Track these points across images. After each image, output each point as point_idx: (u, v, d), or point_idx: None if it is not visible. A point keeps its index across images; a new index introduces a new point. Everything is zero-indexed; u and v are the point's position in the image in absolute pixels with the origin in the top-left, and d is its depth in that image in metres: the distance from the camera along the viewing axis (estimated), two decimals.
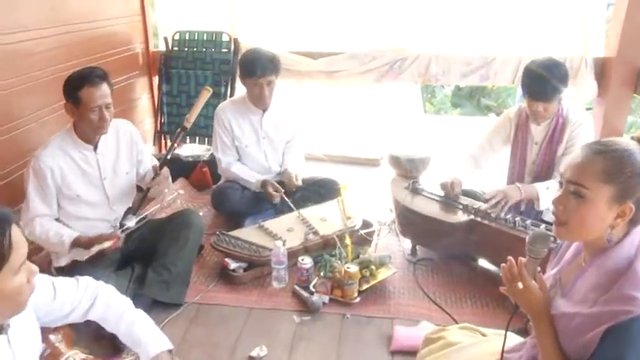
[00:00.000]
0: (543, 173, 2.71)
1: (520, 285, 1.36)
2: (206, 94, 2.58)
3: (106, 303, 1.63)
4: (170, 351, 1.62)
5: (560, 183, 1.31)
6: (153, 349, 1.57)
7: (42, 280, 1.48)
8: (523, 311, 1.39)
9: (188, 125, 2.57)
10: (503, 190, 2.62)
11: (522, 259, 1.38)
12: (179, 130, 2.60)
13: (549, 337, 1.30)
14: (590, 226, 1.25)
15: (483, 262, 2.74)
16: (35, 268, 1.23)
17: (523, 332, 2.00)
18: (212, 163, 3.60)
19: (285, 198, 3.02)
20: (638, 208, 1.21)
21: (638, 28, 3.43)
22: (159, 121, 4.04)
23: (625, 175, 1.20)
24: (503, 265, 1.41)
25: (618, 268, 1.22)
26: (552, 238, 1.41)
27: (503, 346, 1.47)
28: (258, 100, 3.06)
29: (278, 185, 3.06)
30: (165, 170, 2.60)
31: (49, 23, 2.94)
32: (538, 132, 2.71)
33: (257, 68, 2.93)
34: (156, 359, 1.56)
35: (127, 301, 1.70)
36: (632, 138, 1.28)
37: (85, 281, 1.64)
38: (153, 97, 4.20)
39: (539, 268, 1.40)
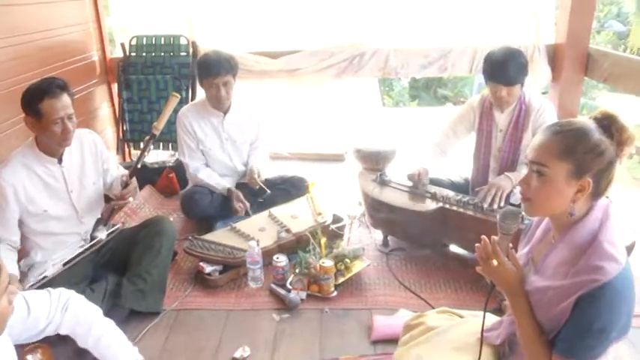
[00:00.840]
0: (510, 160, 2.80)
1: (495, 262, 1.42)
2: (174, 100, 2.57)
3: (76, 315, 1.61)
4: None
5: (526, 164, 1.38)
6: None
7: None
8: (499, 289, 1.45)
9: (157, 132, 2.54)
10: (494, 183, 2.65)
11: (495, 238, 1.45)
12: (148, 137, 2.57)
13: (525, 312, 1.37)
14: (552, 202, 1.33)
15: (454, 248, 2.81)
16: (14, 289, 1.21)
17: (498, 311, 2.08)
18: (178, 168, 3.58)
19: (249, 211, 3.05)
20: (596, 182, 1.29)
21: (584, 12, 3.59)
22: (121, 129, 3.98)
23: (580, 152, 1.28)
24: (477, 245, 1.47)
25: (584, 241, 1.30)
26: (521, 216, 1.47)
27: (483, 326, 1.52)
28: (216, 102, 3.06)
29: (243, 198, 3.06)
30: (134, 180, 2.57)
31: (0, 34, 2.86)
32: (502, 119, 2.79)
33: (212, 68, 2.93)
34: None
35: (96, 313, 1.68)
36: (590, 117, 1.35)
37: (57, 292, 1.61)
38: (113, 105, 4.13)
39: (511, 245, 1.46)
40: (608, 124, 1.30)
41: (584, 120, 1.34)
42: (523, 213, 1.44)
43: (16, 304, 1.44)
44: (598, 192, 1.32)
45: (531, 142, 1.38)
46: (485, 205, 2.56)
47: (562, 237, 1.35)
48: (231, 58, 3.00)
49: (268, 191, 3.06)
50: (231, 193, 3.07)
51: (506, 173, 2.71)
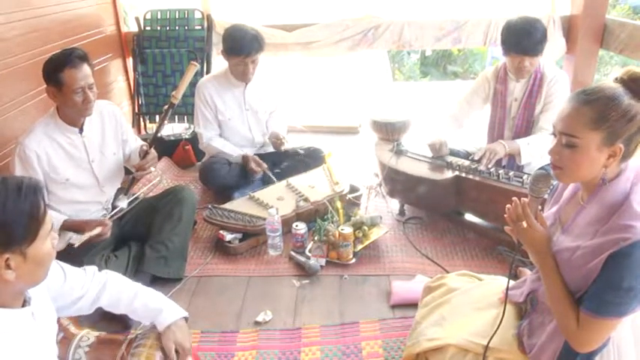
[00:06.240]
0: (523, 128, 2.80)
1: (524, 224, 1.43)
2: (193, 68, 2.58)
3: (118, 285, 1.64)
4: (186, 319, 1.65)
5: (554, 134, 1.38)
6: (170, 318, 1.59)
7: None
8: (526, 249, 1.46)
9: (176, 101, 2.56)
10: (488, 147, 2.70)
11: (525, 200, 1.46)
12: (167, 106, 2.58)
13: (552, 271, 1.39)
14: (584, 170, 1.32)
15: (469, 217, 2.84)
16: (55, 234, 1.25)
17: (514, 277, 2.12)
18: (194, 140, 3.61)
19: (268, 172, 3.09)
20: (627, 145, 1.29)
21: None
22: (136, 103, 4.01)
23: (611, 120, 1.26)
24: (508, 206, 1.48)
25: (615, 201, 1.30)
26: (552, 180, 1.47)
27: (508, 283, 1.55)
28: (242, 77, 3.09)
29: (260, 160, 3.11)
30: (153, 150, 2.59)
31: (16, 7, 2.87)
32: (517, 89, 2.78)
33: (243, 48, 2.95)
34: (174, 325, 1.58)
35: (136, 283, 1.72)
36: (616, 80, 1.33)
37: (92, 270, 1.65)
38: (128, 78, 4.16)
39: (540, 207, 1.48)
40: (637, 87, 1.28)
41: (611, 84, 1.31)
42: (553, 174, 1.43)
43: (53, 268, 1.47)
44: (627, 154, 1.31)
45: (559, 111, 1.36)
46: (482, 167, 2.61)
47: (592, 197, 1.35)
48: (258, 36, 3.01)
49: (301, 151, 3.14)
50: (247, 157, 3.11)
51: (500, 140, 2.76)
